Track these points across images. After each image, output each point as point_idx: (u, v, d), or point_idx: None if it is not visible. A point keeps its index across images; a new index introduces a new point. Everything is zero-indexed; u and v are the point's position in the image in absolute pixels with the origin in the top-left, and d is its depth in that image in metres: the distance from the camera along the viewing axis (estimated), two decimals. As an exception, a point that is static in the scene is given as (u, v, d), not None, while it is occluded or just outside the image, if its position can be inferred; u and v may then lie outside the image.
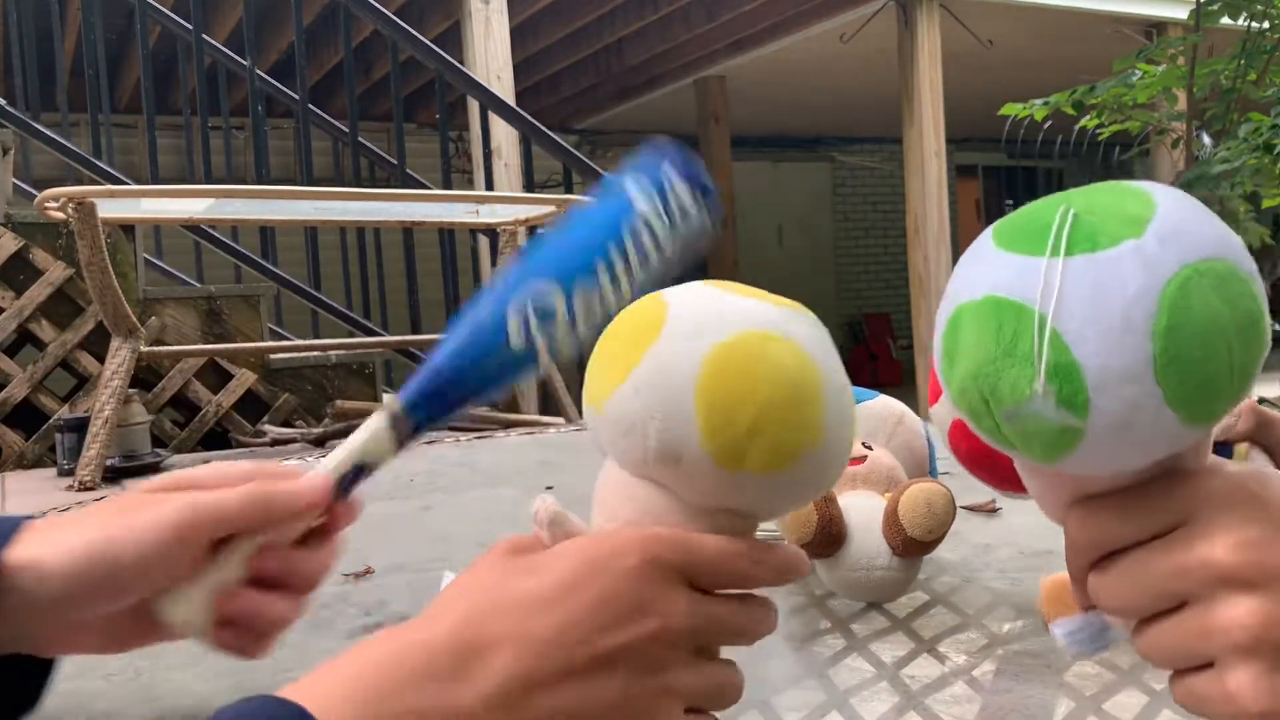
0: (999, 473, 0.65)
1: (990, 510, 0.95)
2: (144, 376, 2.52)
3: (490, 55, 4.32)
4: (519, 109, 3.29)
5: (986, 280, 0.34)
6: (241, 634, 0.44)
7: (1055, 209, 0.33)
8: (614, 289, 0.42)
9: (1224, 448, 0.64)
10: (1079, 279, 0.32)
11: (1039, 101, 3.58)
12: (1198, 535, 0.33)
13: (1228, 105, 3.39)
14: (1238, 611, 0.31)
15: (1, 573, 0.41)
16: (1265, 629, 0.31)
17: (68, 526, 0.43)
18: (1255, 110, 3.44)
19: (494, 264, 2.80)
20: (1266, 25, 3.23)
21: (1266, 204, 3.64)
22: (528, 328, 0.41)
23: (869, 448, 0.73)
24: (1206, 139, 3.69)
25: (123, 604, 0.43)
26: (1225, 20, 3.26)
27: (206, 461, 2.16)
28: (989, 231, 0.36)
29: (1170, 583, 0.33)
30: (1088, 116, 3.61)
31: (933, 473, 0.80)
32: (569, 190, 3.13)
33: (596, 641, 0.35)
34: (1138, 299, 0.31)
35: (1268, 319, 0.33)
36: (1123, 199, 0.33)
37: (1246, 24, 3.23)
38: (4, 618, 0.41)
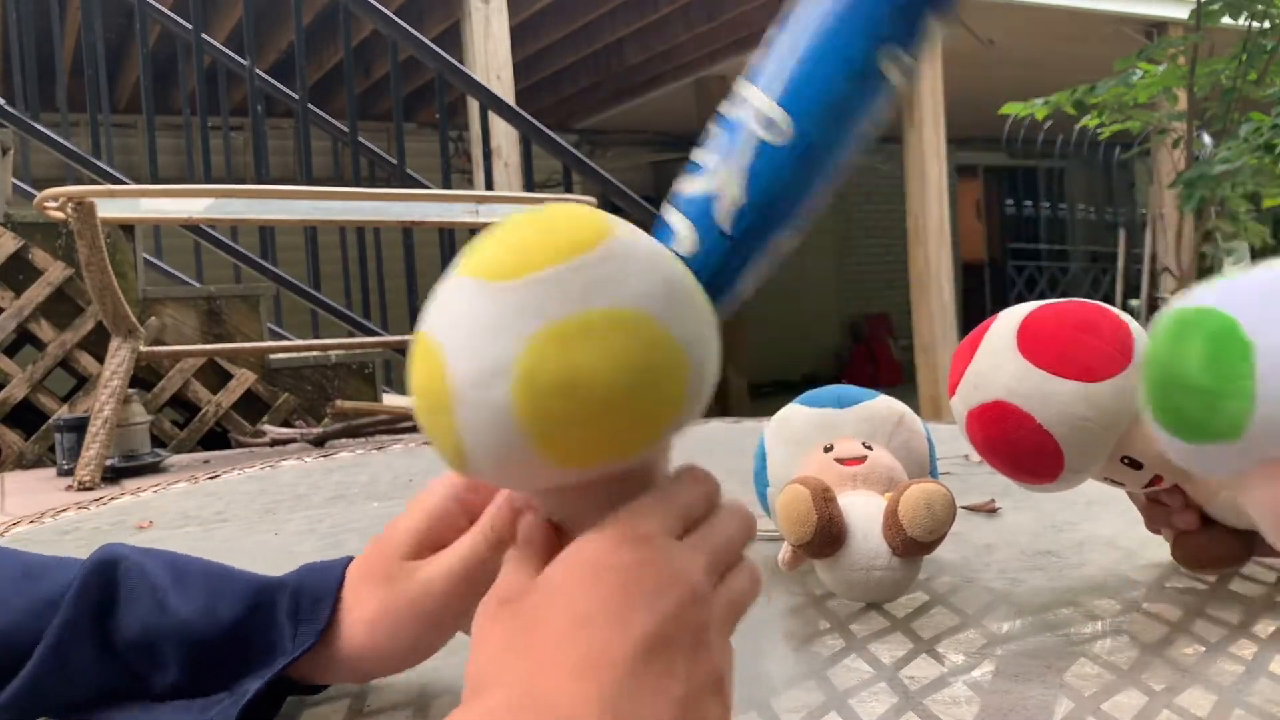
0: (1015, 461, 0.65)
1: (990, 510, 0.94)
2: (143, 376, 2.52)
3: (490, 55, 4.32)
4: (519, 109, 3.29)
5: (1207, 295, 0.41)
6: None
7: None
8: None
9: None
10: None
11: (1039, 101, 3.59)
12: None
13: (1228, 105, 3.40)
14: None
15: (330, 646, 0.48)
16: None
17: (367, 625, 0.47)
18: (1256, 110, 3.44)
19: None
20: (1267, 25, 3.23)
21: (1267, 204, 3.64)
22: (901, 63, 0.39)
23: (869, 448, 0.73)
24: (1207, 139, 3.69)
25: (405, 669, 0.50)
26: (1226, 20, 3.26)
27: (206, 462, 2.16)
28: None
29: None
30: (1088, 116, 3.62)
31: (933, 473, 0.79)
32: (569, 190, 3.13)
33: (648, 635, 0.33)
34: None
35: None
36: None
37: (1247, 24, 3.23)
38: (325, 669, 0.49)
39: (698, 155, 0.43)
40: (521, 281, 0.34)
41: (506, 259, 0.35)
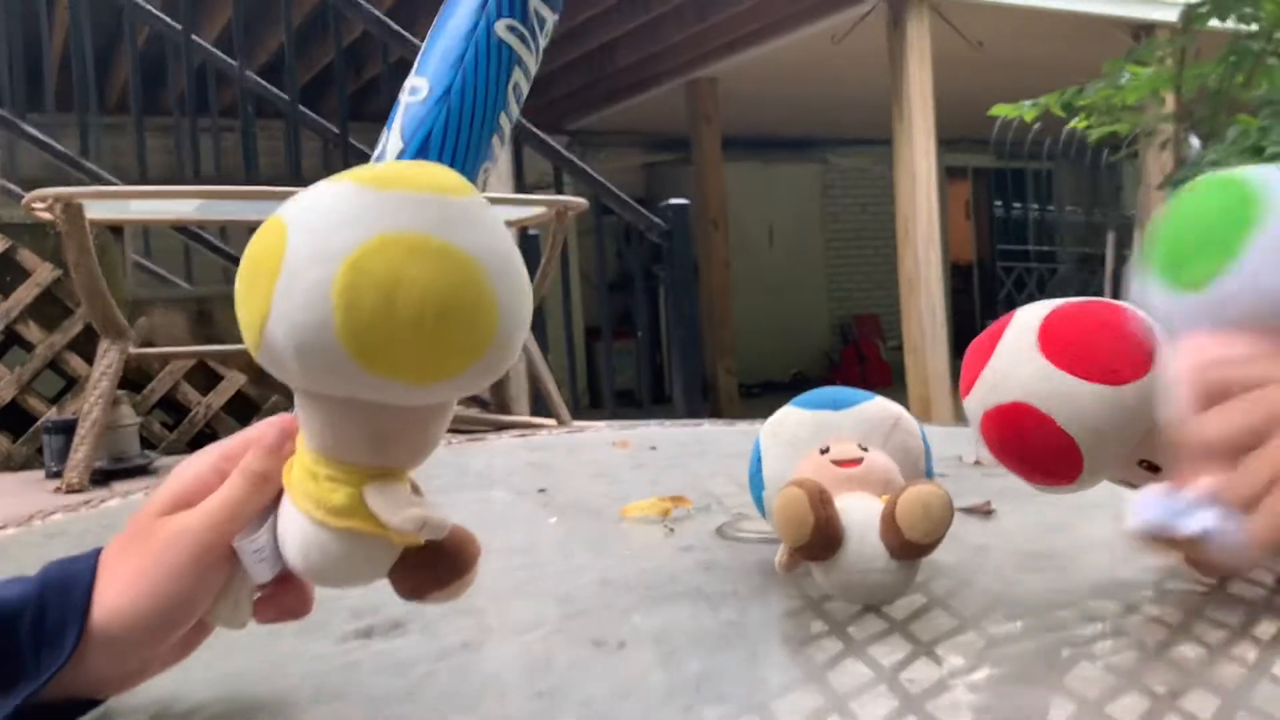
0: (1033, 463, 0.64)
1: (986, 512, 0.94)
2: (133, 378, 2.51)
3: (481, 56, 4.31)
4: (510, 110, 3.28)
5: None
6: (281, 603, 0.48)
7: None
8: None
9: None
10: None
11: (1028, 103, 3.60)
12: None
13: (1216, 108, 3.41)
14: None
15: (90, 635, 0.44)
16: None
17: (118, 605, 0.45)
18: (1243, 112, 3.45)
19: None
20: (1254, 28, 3.25)
21: (1255, 205, 3.66)
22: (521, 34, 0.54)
23: (865, 450, 0.73)
24: (1195, 141, 3.70)
25: (178, 637, 0.47)
26: (1214, 22, 3.28)
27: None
28: None
29: None
30: (1077, 118, 3.63)
31: (929, 474, 0.79)
32: (560, 191, 3.12)
33: None
34: None
35: None
36: None
37: (1235, 26, 3.25)
38: (89, 672, 0.45)
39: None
40: (387, 193, 0.37)
41: (382, 173, 0.38)
